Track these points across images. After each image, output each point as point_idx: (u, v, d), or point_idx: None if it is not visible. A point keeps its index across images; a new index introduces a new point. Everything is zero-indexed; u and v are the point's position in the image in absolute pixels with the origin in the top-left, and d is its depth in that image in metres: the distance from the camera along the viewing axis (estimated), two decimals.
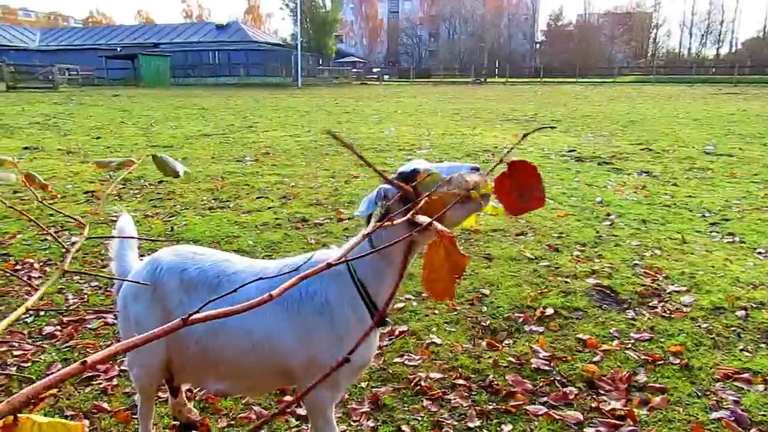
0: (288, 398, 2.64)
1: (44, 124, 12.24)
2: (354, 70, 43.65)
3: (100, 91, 23.83)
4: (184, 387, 2.43)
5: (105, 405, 2.60)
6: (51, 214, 5.51)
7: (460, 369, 2.87)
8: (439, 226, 0.92)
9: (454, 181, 1.23)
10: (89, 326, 3.35)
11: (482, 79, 44.14)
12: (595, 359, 2.90)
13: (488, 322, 3.38)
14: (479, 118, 14.37)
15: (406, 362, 2.93)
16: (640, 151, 9.16)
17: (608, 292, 3.74)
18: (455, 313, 3.49)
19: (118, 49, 39.53)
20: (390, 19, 74.25)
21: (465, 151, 8.98)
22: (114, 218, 5.37)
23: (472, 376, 2.82)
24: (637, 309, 3.48)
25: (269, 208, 5.70)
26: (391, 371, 2.85)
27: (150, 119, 13.51)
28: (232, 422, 2.50)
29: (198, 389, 2.65)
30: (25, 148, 9.24)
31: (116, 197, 6.21)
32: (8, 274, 4.08)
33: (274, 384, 2.08)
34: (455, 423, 2.47)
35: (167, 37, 44.23)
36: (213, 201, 5.97)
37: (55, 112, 14.71)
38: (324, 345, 1.75)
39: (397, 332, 3.21)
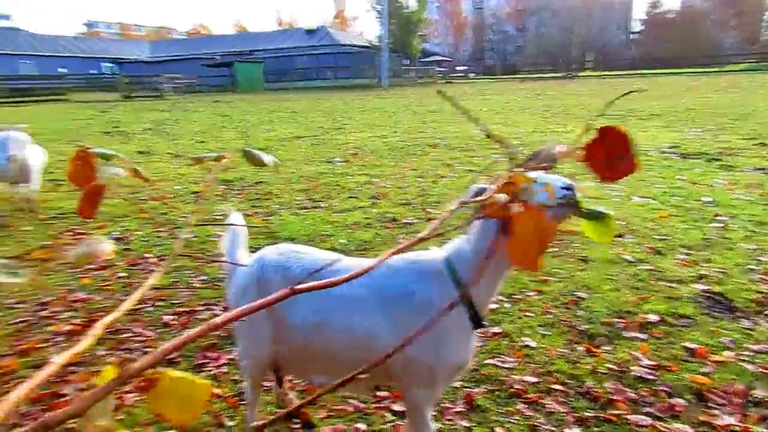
0: (383, 393, 2.73)
1: (154, 130, 13.32)
2: (439, 69, 43.52)
3: (201, 98, 25.53)
4: (288, 377, 2.58)
5: (216, 390, 2.81)
6: (164, 213, 6.01)
7: (555, 374, 2.82)
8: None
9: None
10: (199, 317, 3.63)
11: (573, 74, 42.39)
12: (704, 370, 2.73)
13: (585, 326, 3.28)
14: (570, 114, 13.85)
15: (499, 364, 2.92)
16: (753, 146, 8.41)
17: (719, 298, 3.49)
18: (550, 316, 3.42)
19: (217, 57, 42.11)
20: (475, 15, 73.27)
21: None
22: (218, 216, 5.77)
23: (569, 381, 2.76)
24: (753, 318, 3.22)
25: (359, 207, 5.86)
26: (484, 372, 2.85)
27: (247, 123, 14.29)
28: (331, 413, 2.62)
29: (300, 381, 2.80)
30: (139, 152, 10.11)
31: (220, 197, 6.65)
32: (130, 267, 4.52)
33: (372, 380, 2.16)
34: (552, 428, 2.43)
35: (261, 44, 46.53)
36: (307, 201, 6.23)
37: (163, 119, 15.96)
38: (424, 344, 1.80)
39: (489, 333, 3.20)
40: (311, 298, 1.95)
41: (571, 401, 2.60)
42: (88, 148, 1.05)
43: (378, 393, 2.71)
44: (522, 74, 43.03)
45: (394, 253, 0.98)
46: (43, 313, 3.78)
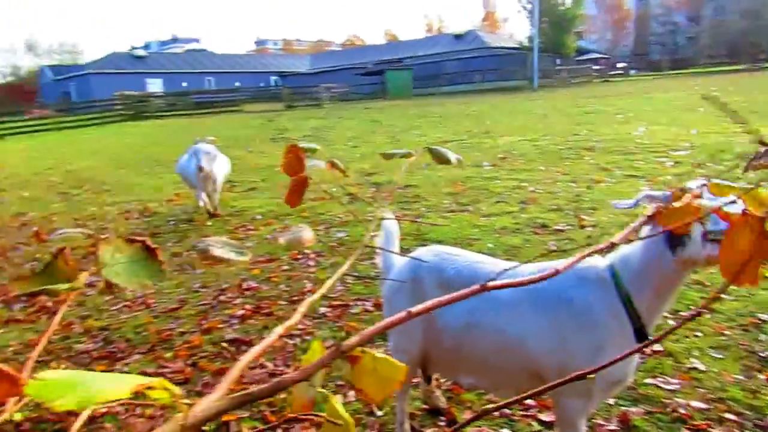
0: (529, 401, 2.67)
1: (313, 136, 14.39)
2: (595, 67, 40.87)
3: (354, 105, 26.95)
4: (436, 375, 2.65)
5: None
6: (321, 213, 6.48)
7: (729, 402, 2.53)
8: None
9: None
10: (352, 311, 3.87)
11: (759, 65, 37.04)
12: None
13: (767, 353, 2.89)
14: (756, 112, 12.13)
15: (661, 385, 2.69)
16: None
17: None
18: (723, 338, 3.07)
19: (369, 66, 44.15)
20: (639, 8, 67.47)
21: (737, 153, 7.71)
22: (369, 218, 6.07)
23: (746, 412, 2.46)
24: None
25: (508, 212, 5.77)
26: (642, 392, 2.65)
27: (396, 128, 14.79)
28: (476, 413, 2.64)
29: (449, 381, 2.86)
30: None
31: (371, 199, 7.00)
32: (292, 261, 4.97)
33: (522, 385, 2.14)
34: None
35: (410, 52, 47.79)
36: (454, 204, 6.29)
37: (320, 125, 17.18)
38: (581, 353, 1.75)
39: (650, 351, 2.97)
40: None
41: None
42: (297, 144, 1.20)
43: (525, 401, 2.67)
44: (695, 68, 38.60)
45: (586, 256, 0.98)
46: (222, 298, 4.32)
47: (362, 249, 1.36)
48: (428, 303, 0.82)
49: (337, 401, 0.72)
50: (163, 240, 6.00)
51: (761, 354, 2.88)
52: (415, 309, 0.79)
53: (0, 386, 0.61)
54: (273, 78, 52.28)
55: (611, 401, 2.58)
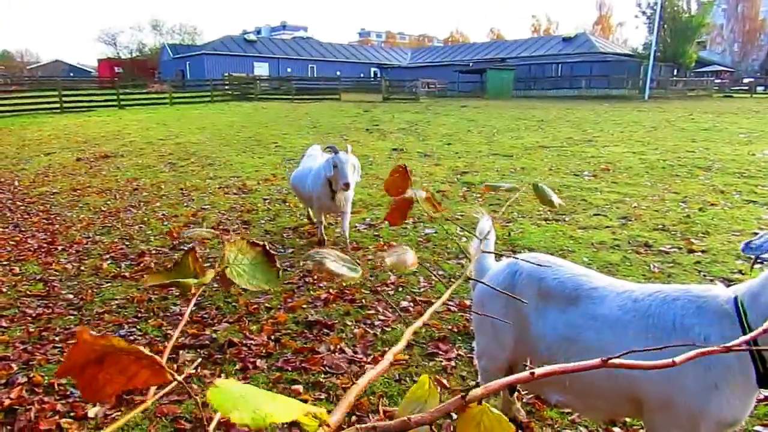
0: (617, 430, 2.49)
1: (408, 130, 14.41)
2: (717, 80, 37.66)
3: (451, 102, 26.70)
4: (520, 386, 2.54)
5: (444, 381, 2.92)
6: None
7: None
8: None
9: None
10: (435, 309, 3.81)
11: None
12: None
13: None
14: None
15: None
16: None
17: None
18: None
19: (470, 64, 43.54)
20: None
21: None
22: (458, 216, 5.97)
23: None
24: None
25: (607, 227, 5.43)
26: None
27: (492, 129, 14.46)
28: None
29: (531, 394, 2.73)
30: (393, 149, 11.06)
31: (461, 198, 6.88)
32: (377, 251, 4.98)
33: (618, 411, 1.98)
34: None
35: (514, 52, 46.52)
36: (549, 212, 6.03)
37: (416, 120, 17.17)
38: (691, 387, 1.58)
39: (762, 396, 2.67)
40: (565, 310, 1.87)
41: None
42: (406, 165, 1.21)
43: (613, 429, 2.49)
44: None
45: None
46: (308, 279, 4.42)
47: (464, 278, 1.31)
48: (554, 367, 0.77)
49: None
50: (258, 217, 6.26)
51: None
52: (538, 371, 0.75)
53: (144, 373, 0.63)
54: (373, 69, 53.03)
55: None
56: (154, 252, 5.16)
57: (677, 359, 0.76)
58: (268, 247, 0.94)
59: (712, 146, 10.46)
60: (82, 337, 0.63)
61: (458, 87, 37.98)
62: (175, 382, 0.72)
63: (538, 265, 2.00)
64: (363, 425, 0.70)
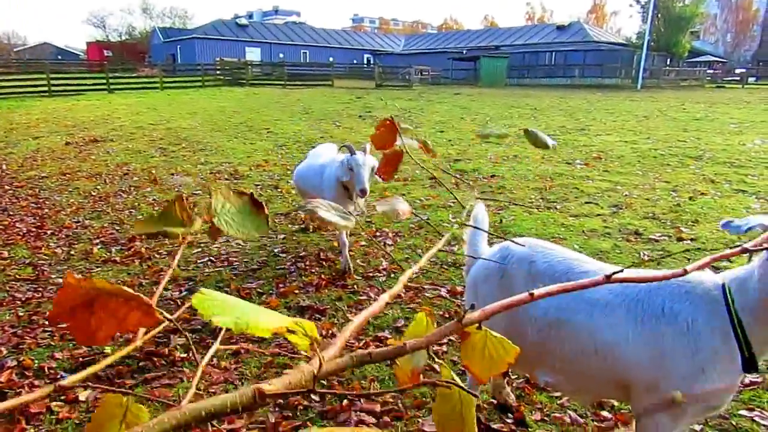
0: (605, 413, 2.52)
1: (401, 117, 14.35)
2: (709, 70, 37.74)
3: (444, 90, 26.60)
4: (511, 371, 2.56)
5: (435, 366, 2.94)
6: (403, 195, 6.45)
7: None
8: None
9: None
10: (426, 294, 3.83)
11: None
12: None
13: None
14: None
15: (758, 419, 2.45)
16: None
17: None
18: None
19: (464, 51, 43.32)
20: None
21: None
22: (451, 204, 5.97)
23: None
24: None
25: (598, 215, 5.46)
26: (734, 423, 2.43)
27: (486, 117, 14.44)
28: (546, 418, 2.52)
29: (519, 377, 2.76)
30: None
31: (454, 186, 6.88)
32: (370, 238, 4.98)
33: (605, 393, 2.00)
34: None
35: (508, 40, 46.32)
36: (540, 200, 6.05)
37: (409, 107, 17.10)
38: (679, 372, 1.60)
39: (747, 381, 2.71)
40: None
41: None
42: (392, 118, 1.18)
43: (601, 412, 2.52)
44: None
45: (717, 259, 0.90)
46: (300, 265, 4.42)
47: (450, 235, 1.31)
48: (553, 287, 0.76)
49: (452, 374, 0.70)
50: None
51: None
52: (537, 291, 0.74)
53: (134, 315, 0.62)
54: (366, 56, 52.65)
55: (697, 427, 2.39)
56: (144, 237, 5.13)
57: (688, 267, 0.78)
58: (255, 195, 0.92)
59: (704, 136, 10.51)
60: (68, 280, 0.63)
61: (452, 74, 37.82)
62: (167, 322, 0.71)
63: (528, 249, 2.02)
64: (358, 352, 0.69)
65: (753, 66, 46.82)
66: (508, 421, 2.50)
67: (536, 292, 0.74)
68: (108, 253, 4.72)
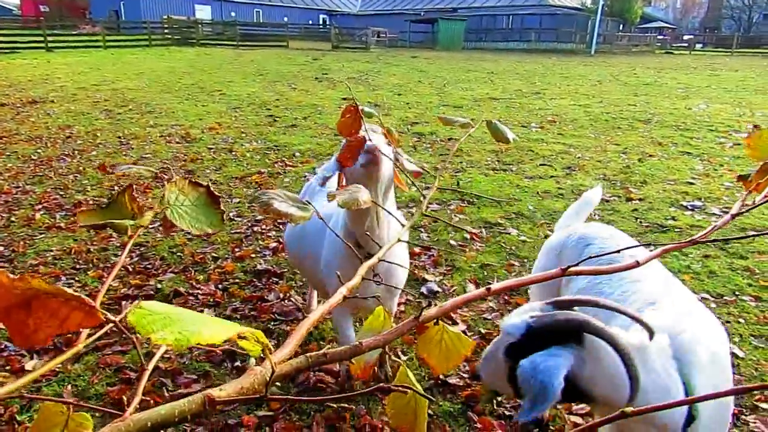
0: None
1: (358, 80, 14.12)
2: (659, 37, 38.62)
3: (402, 52, 26.28)
4: None
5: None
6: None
7: (766, 391, 2.43)
8: None
9: None
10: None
11: None
12: None
13: None
14: None
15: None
16: None
17: None
18: (767, 328, 2.93)
19: (422, 13, 42.71)
20: None
21: None
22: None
23: None
24: None
25: (552, 176, 5.58)
26: None
27: (443, 80, 14.38)
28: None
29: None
30: (343, 98, 10.84)
31: (411, 149, 6.86)
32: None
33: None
34: None
35: (465, 2, 45.90)
36: (497, 162, 6.12)
37: (366, 69, 16.83)
38: None
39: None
40: (596, 277, 1.81)
41: None
42: (357, 104, 1.15)
43: None
44: (766, 48, 36.01)
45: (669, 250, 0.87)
46: (256, 229, 4.34)
47: (409, 225, 1.29)
48: (511, 281, 0.77)
49: (408, 372, 0.69)
50: (203, 166, 6.05)
51: None
52: (494, 286, 0.74)
53: (76, 315, 0.58)
54: (322, 16, 51.23)
55: None
56: (91, 202, 4.92)
57: (640, 259, 0.78)
58: (211, 188, 0.87)
59: (653, 100, 10.81)
60: (0, 279, 0.58)
61: (409, 37, 37.34)
62: (111, 325, 0.67)
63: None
64: (313, 353, 0.67)
65: (700, 33, 48.18)
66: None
67: (493, 287, 0.74)
68: (52, 220, 4.50)
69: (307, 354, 0.66)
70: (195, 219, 0.84)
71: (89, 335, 0.71)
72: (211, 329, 0.55)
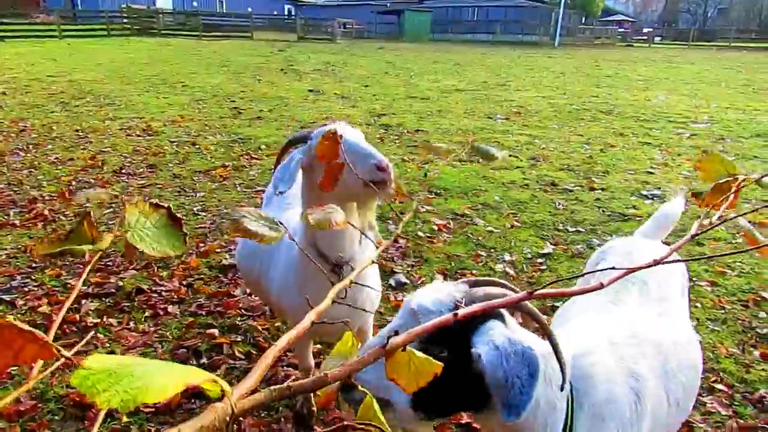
0: None
1: (324, 71, 14.00)
2: (620, 29, 39.51)
3: (369, 44, 26.17)
4: None
5: None
6: None
7: (721, 373, 2.53)
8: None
9: None
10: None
11: None
12: None
13: (765, 330, 2.87)
14: None
15: None
16: None
17: None
18: (722, 311, 3.05)
19: (388, 4, 42.55)
20: None
21: (755, 131, 7.52)
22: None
23: (737, 385, 2.46)
24: None
25: (517, 167, 5.65)
26: None
27: (410, 72, 14.38)
28: None
29: None
30: (310, 90, 10.73)
31: (379, 140, 6.85)
32: None
33: None
34: (708, 430, 2.21)
35: None
36: (463, 154, 6.16)
37: (333, 61, 16.69)
38: None
39: None
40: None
41: (736, 406, 2.33)
42: (336, 131, 1.15)
43: None
44: (721, 42, 37.25)
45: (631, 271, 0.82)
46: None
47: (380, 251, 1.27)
48: (475, 306, 0.76)
49: (374, 402, 0.68)
50: (166, 160, 5.90)
51: (759, 330, 2.86)
52: (461, 312, 0.73)
53: (31, 347, 0.54)
54: (287, 6, 50.47)
55: None
56: (47, 198, 4.74)
57: (604, 281, 0.78)
58: (173, 210, 0.85)
59: (614, 92, 11.06)
60: None
61: (376, 28, 37.21)
62: (63, 360, 0.64)
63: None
64: (278, 386, 0.66)
65: (659, 26, 49.48)
66: None
67: (459, 312, 0.73)
68: (6, 217, 4.32)
69: (271, 387, 0.64)
70: (156, 241, 0.82)
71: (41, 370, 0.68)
72: (162, 381, 0.52)
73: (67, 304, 0.79)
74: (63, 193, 5.00)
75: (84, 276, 0.81)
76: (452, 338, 1.00)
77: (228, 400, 0.57)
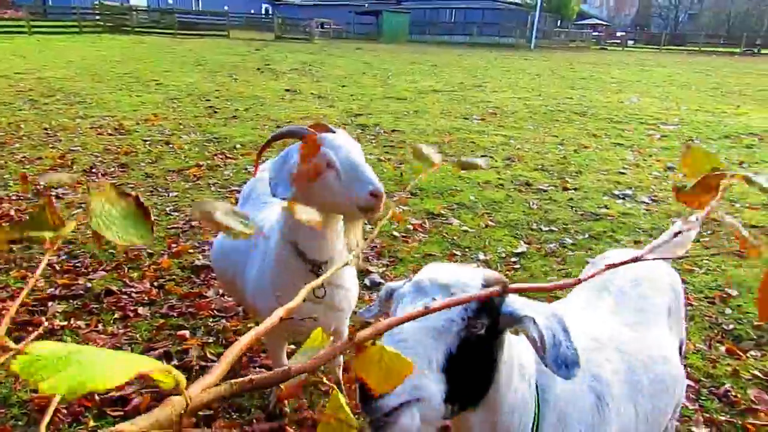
0: None
1: (301, 71, 13.92)
2: (594, 33, 40.18)
3: (347, 44, 26.12)
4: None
5: None
6: None
7: (688, 369, 2.59)
8: None
9: None
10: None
11: (755, 50, 36.87)
12: None
13: (731, 326, 2.95)
14: (746, 95, 12.15)
15: None
16: None
17: None
18: (690, 308, 3.11)
19: (366, 5, 42.52)
20: None
21: (723, 133, 7.72)
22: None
23: (703, 379, 2.52)
24: None
25: (493, 167, 5.70)
26: None
27: (387, 72, 14.39)
28: None
29: None
30: (287, 90, 10.66)
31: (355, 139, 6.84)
32: None
33: None
34: (676, 423, 2.25)
35: None
36: (439, 154, 6.18)
37: (310, 61, 16.61)
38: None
39: None
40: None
41: (702, 400, 2.38)
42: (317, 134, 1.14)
43: None
44: (691, 46, 38.13)
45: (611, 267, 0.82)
46: (194, 223, 4.20)
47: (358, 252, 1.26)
48: (442, 302, 0.75)
49: (342, 397, 0.67)
50: (138, 159, 5.79)
51: (725, 327, 2.93)
52: (433, 304, 0.73)
53: None
54: (264, 5, 50.09)
55: None
56: (14, 198, 4.61)
57: (581, 276, 0.78)
58: (141, 199, 0.82)
59: (588, 94, 11.24)
60: None
61: (353, 29, 37.19)
62: (13, 353, 0.61)
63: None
64: (238, 379, 0.64)
65: (632, 30, 50.45)
66: None
67: (431, 305, 0.72)
68: None
69: (231, 381, 0.63)
70: (122, 230, 0.78)
71: None
72: (111, 368, 0.50)
73: (16, 303, 0.75)
74: (23, 175, 4.81)
75: (44, 263, 0.78)
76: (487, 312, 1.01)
77: (184, 392, 0.56)
